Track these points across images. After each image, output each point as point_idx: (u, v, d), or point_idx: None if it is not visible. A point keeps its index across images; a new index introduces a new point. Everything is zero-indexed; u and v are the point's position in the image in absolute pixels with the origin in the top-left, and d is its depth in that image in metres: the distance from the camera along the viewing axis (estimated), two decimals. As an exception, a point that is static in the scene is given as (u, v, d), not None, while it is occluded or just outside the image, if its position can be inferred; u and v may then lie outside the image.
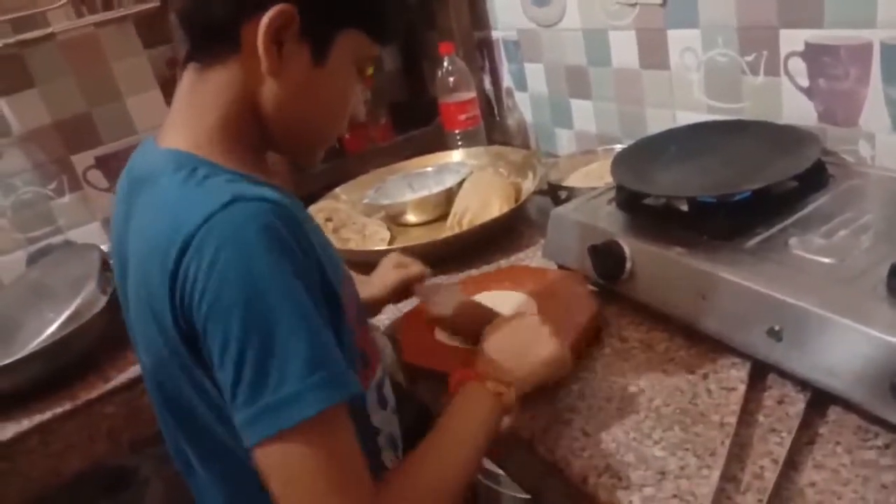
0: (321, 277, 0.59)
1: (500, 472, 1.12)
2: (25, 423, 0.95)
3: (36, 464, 0.96)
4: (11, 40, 1.10)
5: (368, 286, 0.91)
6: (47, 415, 0.96)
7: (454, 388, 0.68)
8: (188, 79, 0.63)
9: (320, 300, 0.57)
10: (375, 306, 0.93)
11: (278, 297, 0.52)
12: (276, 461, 0.52)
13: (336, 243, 1.16)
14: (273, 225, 0.53)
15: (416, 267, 0.92)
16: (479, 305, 0.87)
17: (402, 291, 0.91)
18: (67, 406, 0.97)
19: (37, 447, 0.95)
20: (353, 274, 0.75)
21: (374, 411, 0.71)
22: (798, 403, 0.66)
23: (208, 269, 0.51)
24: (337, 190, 1.31)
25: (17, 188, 1.24)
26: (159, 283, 0.54)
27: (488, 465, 1.17)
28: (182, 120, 0.63)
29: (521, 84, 1.47)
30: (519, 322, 0.75)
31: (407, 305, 0.95)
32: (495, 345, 0.73)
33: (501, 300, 0.89)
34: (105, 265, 1.07)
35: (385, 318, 0.97)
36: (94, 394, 0.99)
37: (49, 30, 1.08)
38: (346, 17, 0.62)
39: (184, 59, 0.63)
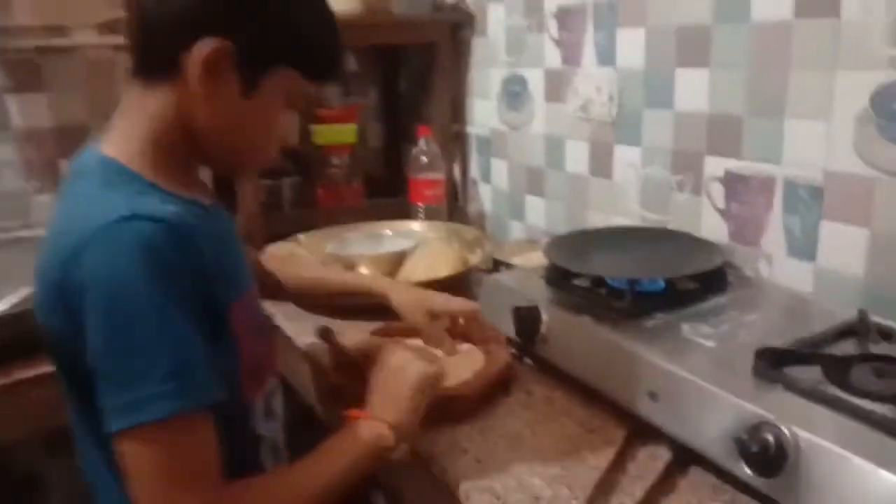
0: (207, 294, 0.64)
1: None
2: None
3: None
4: (32, 45, 1.21)
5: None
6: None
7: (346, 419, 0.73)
8: (132, 93, 0.69)
9: (197, 316, 0.62)
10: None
11: (145, 309, 0.59)
12: (129, 452, 0.59)
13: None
14: (156, 245, 0.59)
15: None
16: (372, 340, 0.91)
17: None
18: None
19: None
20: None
21: (260, 421, 0.76)
22: (665, 458, 0.75)
23: (89, 276, 0.59)
24: (300, 236, 1.40)
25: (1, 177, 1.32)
26: (52, 278, 0.62)
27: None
28: (120, 130, 0.69)
29: (486, 176, 1.61)
30: (388, 359, 0.77)
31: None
32: (374, 386, 0.76)
33: None
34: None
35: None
36: (27, 374, 1.03)
37: (73, 42, 1.20)
38: (280, 56, 0.68)
39: (130, 74, 0.70)
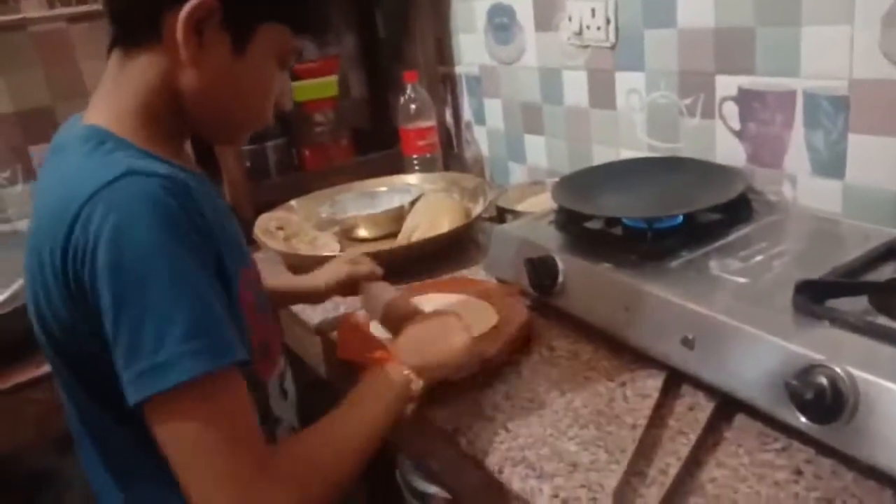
0: (215, 256, 0.60)
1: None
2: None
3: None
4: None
5: (315, 277, 0.94)
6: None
7: (369, 367, 0.71)
8: (113, 62, 0.65)
9: (212, 275, 0.58)
10: (319, 296, 0.96)
11: (159, 266, 0.54)
12: (159, 420, 0.54)
13: (285, 250, 1.18)
14: (163, 199, 0.55)
15: (366, 266, 0.94)
16: (408, 303, 0.88)
17: (349, 287, 0.93)
18: (-5, 388, 0.96)
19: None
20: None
21: (276, 402, 0.73)
22: (707, 410, 0.70)
23: (95, 235, 0.54)
24: (292, 202, 1.33)
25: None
26: (52, 248, 0.56)
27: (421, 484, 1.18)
28: (104, 100, 0.65)
29: (480, 118, 1.53)
30: (434, 317, 0.78)
31: (343, 304, 0.98)
32: (409, 334, 0.76)
33: (446, 302, 0.92)
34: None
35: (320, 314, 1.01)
36: (24, 377, 0.98)
37: (20, 16, 1.11)
38: (268, 11, 0.64)
39: (110, 43, 0.65)
